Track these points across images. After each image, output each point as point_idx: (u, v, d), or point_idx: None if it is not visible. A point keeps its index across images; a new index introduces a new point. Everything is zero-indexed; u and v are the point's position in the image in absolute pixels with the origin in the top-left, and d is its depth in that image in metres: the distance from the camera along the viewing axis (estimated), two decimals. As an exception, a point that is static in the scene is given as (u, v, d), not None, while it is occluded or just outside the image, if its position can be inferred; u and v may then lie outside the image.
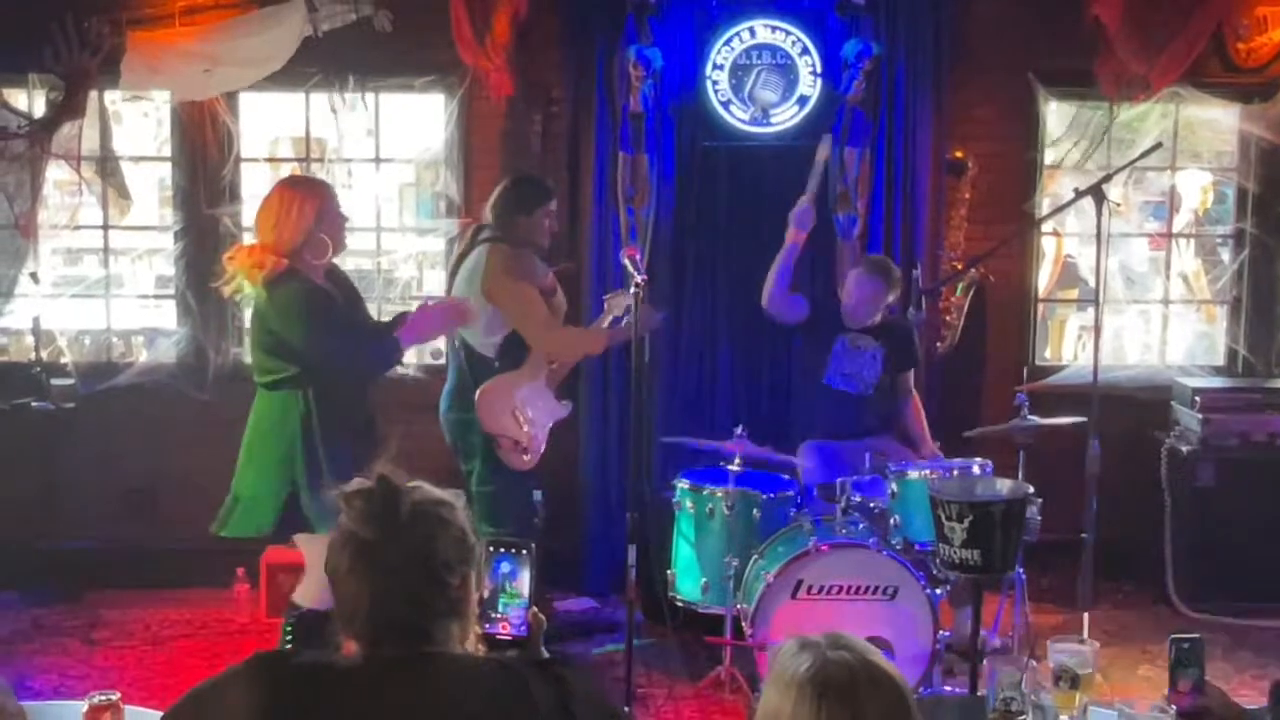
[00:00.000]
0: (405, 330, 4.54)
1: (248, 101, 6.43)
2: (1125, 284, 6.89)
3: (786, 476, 5.40)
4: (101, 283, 6.63)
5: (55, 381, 6.23)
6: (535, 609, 2.39)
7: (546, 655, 2.41)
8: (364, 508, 2.05)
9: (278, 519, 4.35)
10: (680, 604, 5.34)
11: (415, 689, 2.01)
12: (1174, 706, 2.74)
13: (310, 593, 4.41)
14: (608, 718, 2.17)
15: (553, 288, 5.20)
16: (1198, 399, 6.21)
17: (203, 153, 6.32)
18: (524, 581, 2.37)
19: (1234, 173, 6.80)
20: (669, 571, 5.34)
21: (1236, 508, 6.09)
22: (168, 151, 6.52)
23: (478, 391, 5.03)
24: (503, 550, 2.38)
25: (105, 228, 6.57)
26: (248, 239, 6.58)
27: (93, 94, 6.14)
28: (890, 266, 5.78)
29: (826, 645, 1.93)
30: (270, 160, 6.94)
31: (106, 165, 6.43)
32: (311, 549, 4.41)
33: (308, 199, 4.35)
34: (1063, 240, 7.39)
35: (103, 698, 2.63)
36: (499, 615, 2.36)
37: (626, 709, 4.40)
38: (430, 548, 2.05)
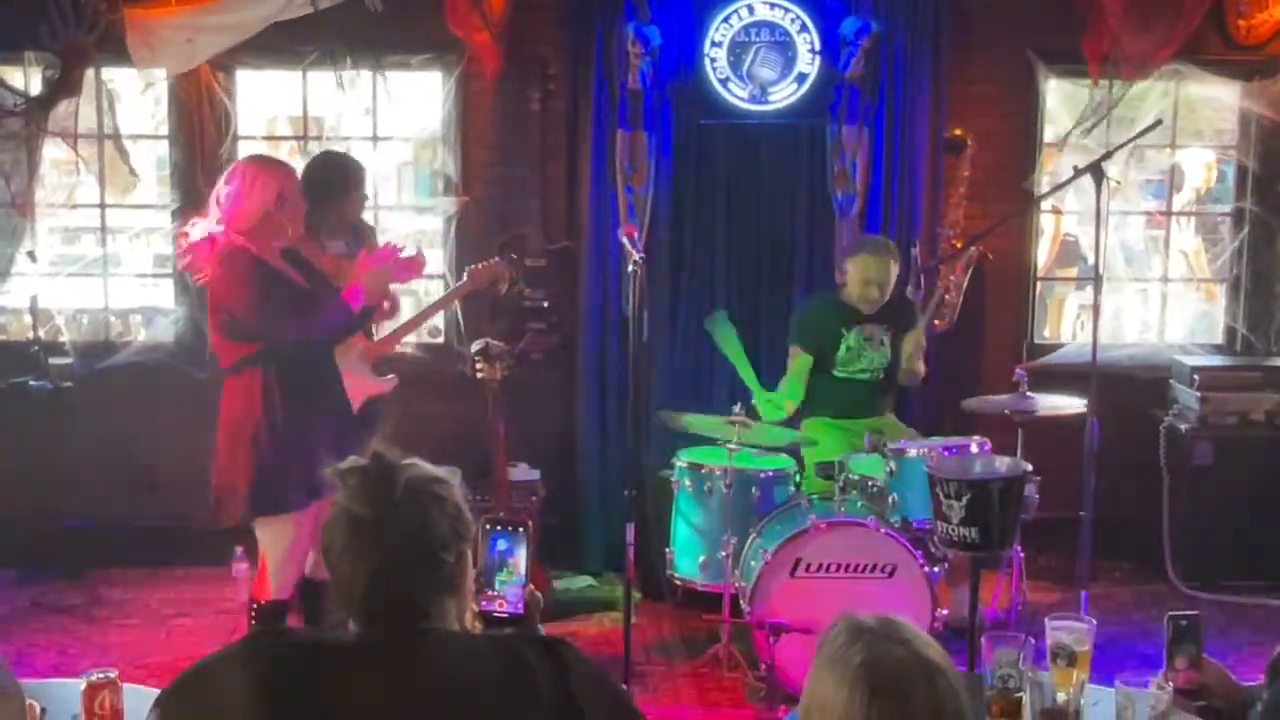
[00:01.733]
0: (349, 289, 4.48)
1: (245, 79, 6.40)
2: (1125, 262, 6.88)
3: (784, 455, 5.40)
4: (99, 261, 6.61)
5: (53, 360, 6.20)
6: (532, 586, 2.39)
7: (543, 632, 2.41)
8: (359, 485, 2.04)
9: (248, 502, 4.30)
10: (679, 582, 5.35)
11: (412, 665, 2.01)
12: (1171, 684, 2.74)
13: (270, 583, 4.40)
14: (606, 694, 2.17)
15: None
16: (1196, 377, 6.21)
17: (200, 131, 6.30)
18: (520, 559, 2.37)
19: (1234, 151, 6.78)
20: (667, 549, 5.34)
21: (1235, 486, 6.09)
22: (165, 130, 6.50)
23: None
24: (499, 528, 2.38)
25: (102, 206, 6.54)
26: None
27: (89, 71, 6.11)
28: (889, 243, 5.75)
29: (880, 634, 1.85)
30: (267, 139, 6.92)
31: (116, 144, 6.40)
32: (268, 534, 4.39)
33: (269, 179, 4.33)
34: (1061, 218, 7.37)
35: (101, 675, 2.63)
36: (496, 593, 2.36)
37: (625, 686, 4.41)
38: (426, 524, 2.05)
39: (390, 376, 4.97)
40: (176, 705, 2.03)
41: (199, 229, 4.32)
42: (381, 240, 5.46)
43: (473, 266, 5.19)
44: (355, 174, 5.38)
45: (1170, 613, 2.89)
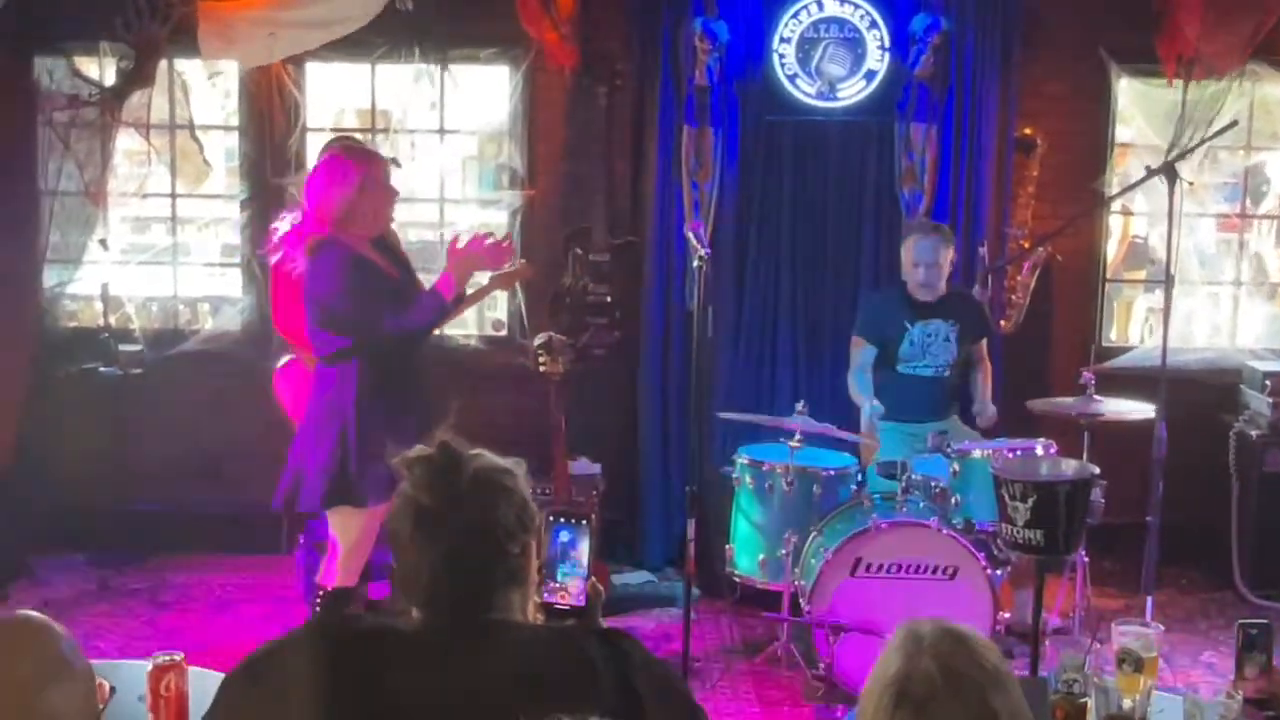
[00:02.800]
0: (441, 279, 4.42)
1: (314, 72, 6.46)
2: (1198, 265, 6.77)
3: (847, 454, 5.37)
4: (169, 250, 6.70)
5: (123, 347, 6.30)
6: (594, 579, 2.39)
7: (605, 625, 2.41)
8: (425, 475, 2.05)
9: (325, 491, 4.32)
10: (738, 579, 5.33)
11: (476, 655, 2.02)
12: (1240, 693, 2.70)
13: (338, 570, 4.41)
14: (668, 686, 2.16)
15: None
16: (1268, 383, 6.10)
17: (269, 122, 6.36)
18: (583, 551, 2.37)
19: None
20: (728, 546, 5.33)
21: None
22: (235, 121, 6.57)
23: (277, 367, 5.05)
24: (562, 520, 2.38)
25: (173, 196, 6.63)
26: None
27: (162, 63, 6.19)
28: (940, 225, 5.72)
29: (927, 646, 1.83)
30: (335, 130, 6.96)
31: (192, 133, 6.48)
32: (341, 522, 4.41)
33: (351, 167, 4.32)
34: (1130, 220, 7.26)
35: (167, 658, 2.66)
36: (558, 584, 2.36)
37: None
38: (491, 515, 2.05)
39: None
40: (241, 688, 2.05)
41: (286, 221, 4.35)
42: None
43: (495, 274, 5.10)
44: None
45: (1240, 620, 2.84)
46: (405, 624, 2.06)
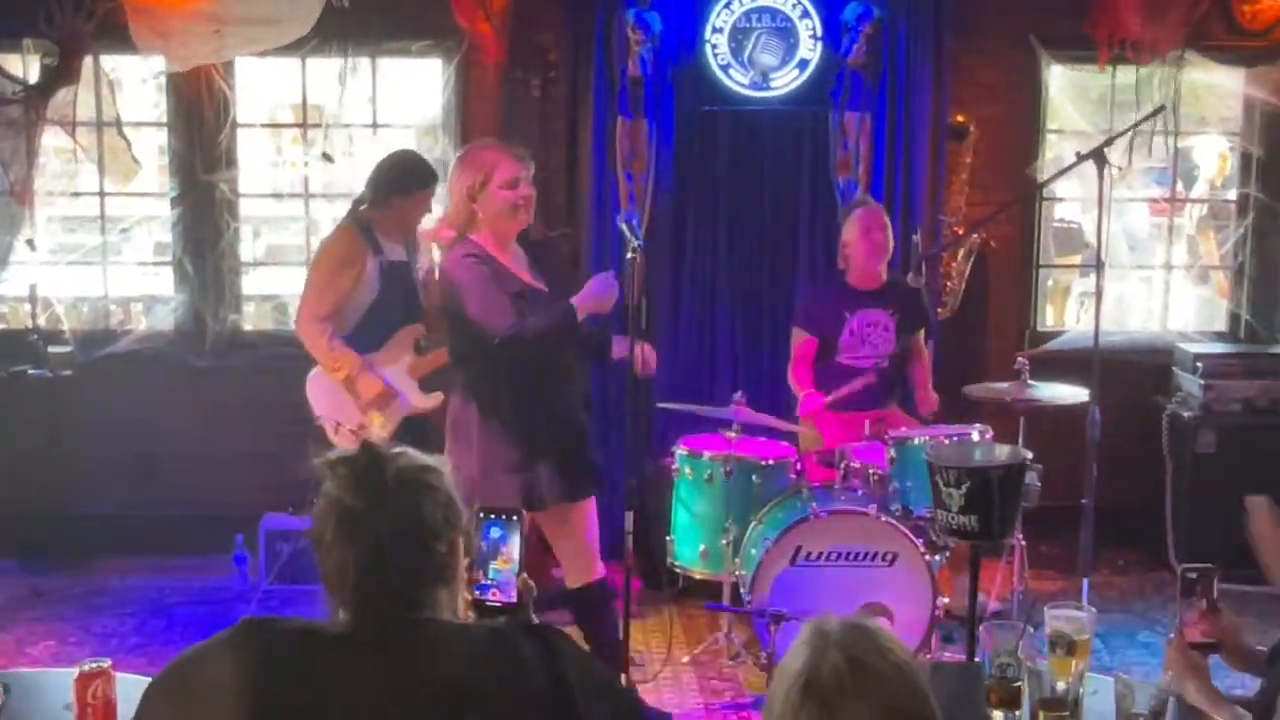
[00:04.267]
0: (580, 295, 4.33)
1: (244, 67, 6.37)
2: (1128, 249, 6.85)
3: (785, 443, 5.38)
4: (99, 249, 6.60)
5: (53, 349, 6.21)
6: (525, 575, 2.37)
7: (537, 621, 2.40)
8: (348, 475, 2.02)
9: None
10: (679, 570, 5.33)
11: (404, 655, 1.99)
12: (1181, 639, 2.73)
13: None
14: (599, 682, 2.15)
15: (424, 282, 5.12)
16: (1199, 364, 6.18)
17: (199, 119, 6.28)
18: (513, 547, 2.35)
19: (1238, 137, 6.75)
20: (668, 538, 5.32)
21: (1238, 473, 6.03)
22: (165, 118, 6.48)
23: (312, 371, 4.99)
24: (492, 516, 2.36)
25: (101, 195, 6.53)
26: (244, 205, 6.59)
27: (88, 59, 6.09)
28: (878, 203, 5.76)
29: (834, 641, 1.80)
30: (267, 126, 6.91)
31: (120, 130, 6.38)
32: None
33: (464, 168, 4.28)
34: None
35: (93, 665, 2.61)
36: (489, 581, 2.34)
37: (623, 675, 4.39)
38: (417, 514, 2.03)
39: (436, 394, 4.99)
40: (163, 694, 2.01)
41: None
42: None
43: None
44: (420, 176, 5.09)
45: (1183, 565, 2.85)
46: (332, 626, 2.04)
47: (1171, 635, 2.82)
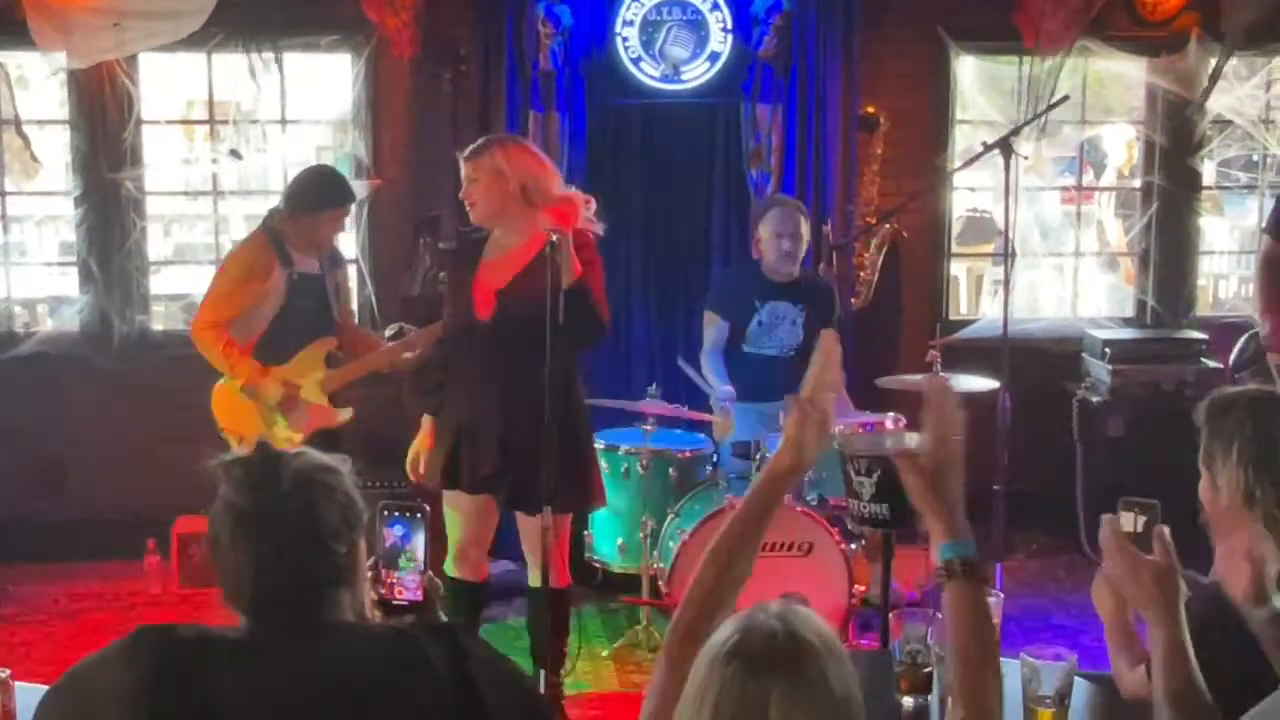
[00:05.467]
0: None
1: (147, 62, 6.25)
2: (1040, 237, 6.94)
3: (701, 435, 5.39)
4: (0, 250, 6.44)
5: (-46, 352, 6.07)
6: (430, 573, 2.35)
7: (443, 619, 2.38)
8: (243, 476, 1.99)
9: None
10: (598, 564, 5.33)
11: (305, 659, 1.97)
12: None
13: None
14: (507, 680, 2.13)
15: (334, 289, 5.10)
16: (1107, 350, 6.28)
17: (102, 115, 6.15)
18: (418, 545, 2.32)
19: (1143, 126, 6.86)
20: (586, 532, 5.32)
21: (1147, 457, 6.15)
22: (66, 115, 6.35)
23: (218, 383, 4.95)
24: (396, 514, 2.33)
25: (3, 194, 6.38)
26: (151, 203, 6.48)
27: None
28: (798, 201, 5.77)
29: (771, 613, 1.75)
30: (172, 123, 6.79)
31: (17, 129, 6.23)
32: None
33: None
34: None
35: (-8, 675, 2.57)
36: (393, 580, 2.31)
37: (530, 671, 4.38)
38: (314, 515, 2.00)
39: (348, 409, 4.96)
40: (55, 705, 1.98)
41: None
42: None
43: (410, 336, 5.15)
44: (333, 195, 5.02)
45: (1123, 498, 2.84)
46: (231, 631, 2.01)
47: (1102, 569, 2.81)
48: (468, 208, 4.37)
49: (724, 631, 1.75)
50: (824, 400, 2.31)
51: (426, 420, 4.50)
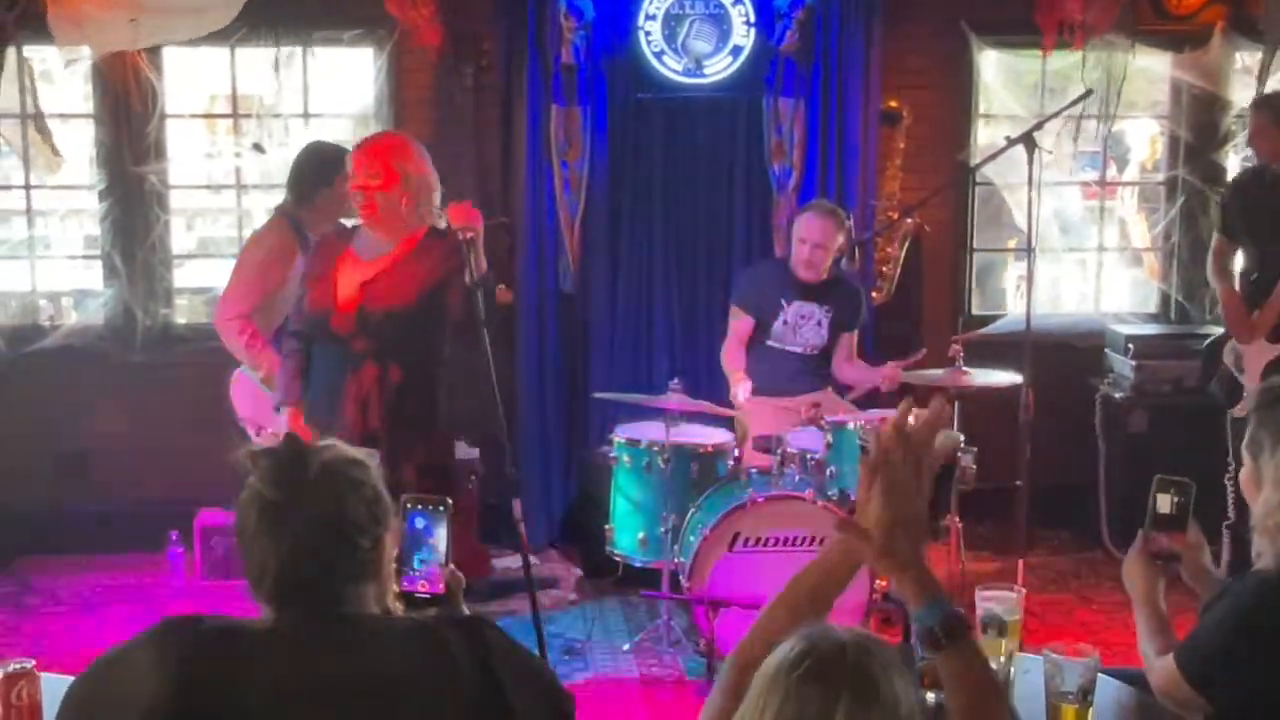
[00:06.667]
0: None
1: (172, 57, 6.28)
2: (1060, 233, 6.90)
3: (723, 430, 5.39)
4: (26, 244, 6.48)
5: (-20, 345, 6.11)
6: (453, 566, 2.36)
7: (466, 612, 2.39)
8: (271, 467, 2.00)
9: None
10: (619, 558, 5.33)
11: (329, 651, 1.98)
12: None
13: None
14: (532, 675, 2.14)
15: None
16: (1130, 346, 6.26)
17: (126, 110, 6.18)
18: (440, 538, 2.33)
19: (1167, 121, 6.83)
20: (607, 526, 5.32)
21: (1169, 453, 6.10)
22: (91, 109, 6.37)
23: (235, 371, 4.93)
24: (418, 507, 2.34)
25: (28, 188, 6.42)
26: (175, 197, 6.50)
27: (10, 50, 5.97)
28: (836, 208, 5.73)
29: (840, 629, 1.75)
30: (195, 117, 6.81)
31: (38, 123, 6.25)
32: None
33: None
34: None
35: (18, 666, 2.58)
36: (415, 573, 2.32)
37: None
38: (340, 508, 2.01)
39: None
40: (81, 696, 1.99)
41: None
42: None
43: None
44: (339, 161, 4.84)
45: (1158, 476, 2.84)
46: (255, 623, 2.02)
47: (1135, 545, 2.84)
48: (359, 206, 4.22)
49: (787, 645, 1.74)
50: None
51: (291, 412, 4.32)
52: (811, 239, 5.49)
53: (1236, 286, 5.68)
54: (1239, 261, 5.75)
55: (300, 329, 4.35)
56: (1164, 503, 2.78)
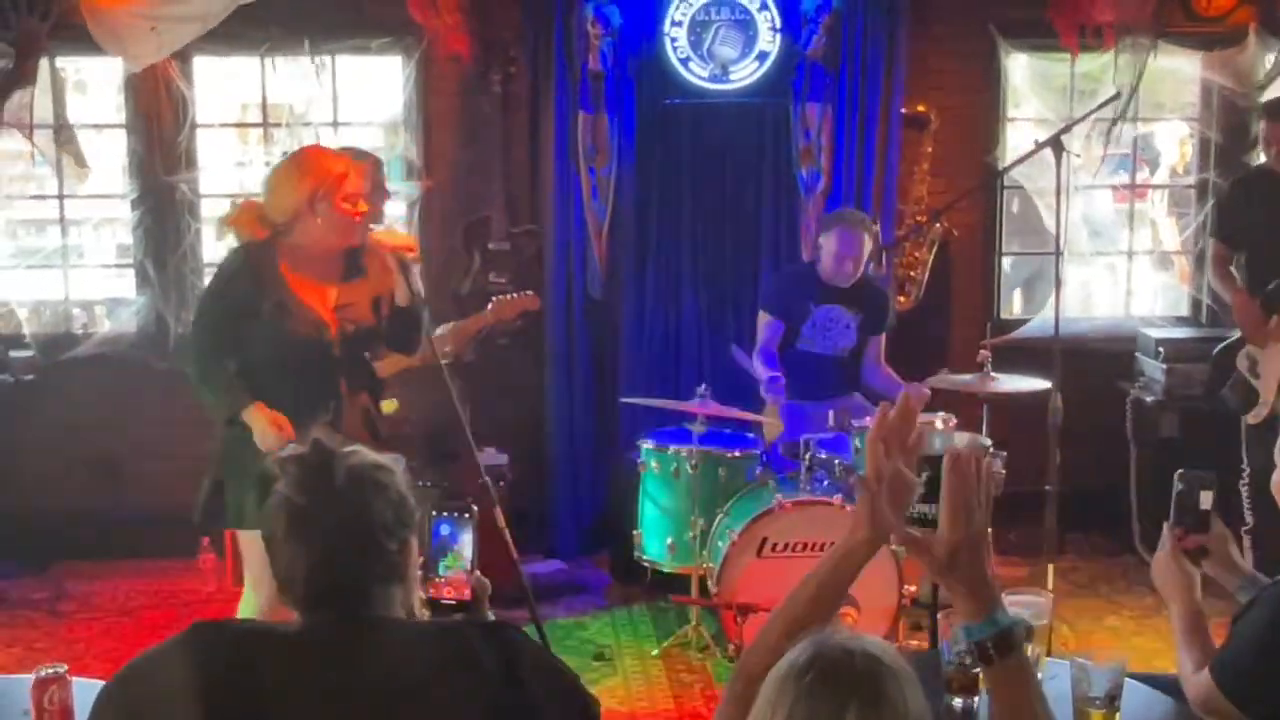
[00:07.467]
0: None
1: (202, 66, 6.33)
2: (1090, 236, 6.87)
3: (751, 435, 5.39)
4: (59, 253, 6.55)
5: (14, 353, 6.16)
6: (478, 572, 2.37)
7: (492, 618, 2.40)
8: (299, 473, 2.02)
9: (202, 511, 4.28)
10: (647, 564, 5.34)
11: (356, 655, 1.99)
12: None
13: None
14: (555, 678, 2.15)
15: None
16: (1161, 349, 6.22)
17: (157, 120, 6.23)
18: (465, 544, 2.35)
19: (1197, 123, 6.79)
20: (635, 532, 5.33)
21: (1200, 458, 6.04)
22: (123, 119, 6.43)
23: None
24: (444, 513, 2.36)
25: (60, 197, 6.48)
26: (206, 206, 6.55)
27: (44, 61, 6.03)
28: (863, 216, 5.73)
29: (845, 636, 1.78)
30: (226, 126, 6.86)
31: (62, 134, 6.32)
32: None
33: (304, 174, 3.99)
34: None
35: (50, 670, 2.61)
36: (441, 578, 2.34)
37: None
38: (366, 512, 2.03)
39: (393, 400, 4.98)
40: (112, 701, 2.01)
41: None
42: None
43: (499, 298, 5.13)
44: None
45: (1179, 470, 2.84)
46: (284, 626, 2.04)
47: (1164, 544, 2.84)
48: (355, 219, 4.04)
49: (796, 650, 1.76)
50: (891, 471, 2.19)
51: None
52: (851, 253, 5.51)
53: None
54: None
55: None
56: (1187, 497, 2.78)
